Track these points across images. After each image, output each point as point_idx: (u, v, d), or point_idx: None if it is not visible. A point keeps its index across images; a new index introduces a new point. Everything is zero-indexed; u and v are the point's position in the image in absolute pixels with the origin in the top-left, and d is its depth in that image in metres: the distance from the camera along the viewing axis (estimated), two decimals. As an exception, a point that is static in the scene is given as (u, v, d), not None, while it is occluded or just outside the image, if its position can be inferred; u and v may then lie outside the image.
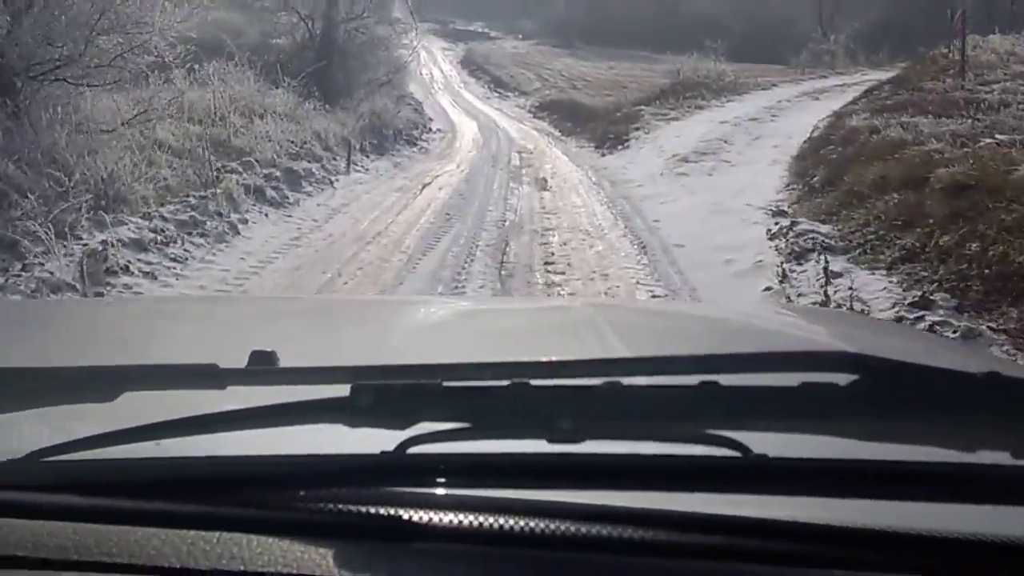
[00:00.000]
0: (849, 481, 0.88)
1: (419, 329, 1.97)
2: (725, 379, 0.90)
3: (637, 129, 19.09)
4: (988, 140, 9.35)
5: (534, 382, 0.93)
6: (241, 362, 1.06)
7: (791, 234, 8.50)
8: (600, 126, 20.99)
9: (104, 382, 1.02)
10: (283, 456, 0.96)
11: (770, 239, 8.81)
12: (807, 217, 9.32)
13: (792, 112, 19.33)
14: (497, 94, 37.84)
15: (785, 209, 10.14)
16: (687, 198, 11.85)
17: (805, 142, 14.50)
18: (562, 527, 0.85)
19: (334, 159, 15.56)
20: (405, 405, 0.93)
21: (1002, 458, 0.89)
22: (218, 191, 10.50)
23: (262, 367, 1.04)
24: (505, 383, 0.93)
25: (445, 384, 0.94)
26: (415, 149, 20.99)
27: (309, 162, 14.16)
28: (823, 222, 8.98)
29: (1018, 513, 0.88)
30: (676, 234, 9.60)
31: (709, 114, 20.28)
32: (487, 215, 11.40)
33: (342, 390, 0.93)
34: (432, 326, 2.07)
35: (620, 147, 18.11)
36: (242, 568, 0.84)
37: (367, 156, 17.86)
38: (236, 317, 2.16)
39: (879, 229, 8.00)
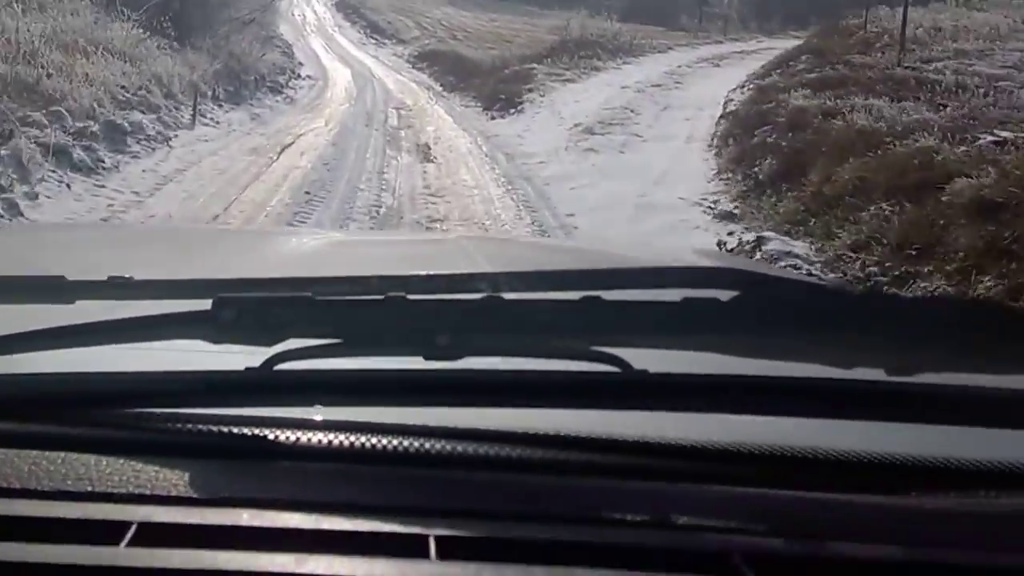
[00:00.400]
0: (728, 397, 0.85)
1: (289, 256, 1.86)
2: (607, 294, 0.85)
3: (530, 91, 16.71)
4: (987, 136, 7.35)
5: (410, 296, 0.86)
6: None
7: (760, 255, 6.28)
8: (487, 83, 18.40)
9: None
10: (136, 372, 0.88)
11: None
12: (768, 226, 7.14)
13: (696, 79, 17.22)
14: (373, 40, 34.90)
15: (731, 210, 8.01)
16: (603, 183, 9.56)
17: (722, 117, 12.50)
18: (436, 445, 0.81)
19: (176, 109, 12.71)
20: (272, 319, 0.84)
21: (878, 374, 0.86)
22: (2, 152, 7.77)
23: (114, 279, 0.92)
24: (380, 297, 0.85)
25: (316, 297, 0.85)
26: (280, 98, 18.15)
27: (143, 113, 11.32)
28: (792, 235, 6.81)
29: (891, 429, 0.86)
30: (601, 241, 7.27)
31: (607, 76, 17.98)
32: (357, 196, 8.94)
33: (203, 304, 0.84)
34: (303, 254, 1.99)
35: (512, 111, 15.76)
36: (89, 488, 0.76)
37: (220, 106, 14.97)
38: (94, 245, 2.03)
39: (885, 259, 5.80)
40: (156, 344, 0.89)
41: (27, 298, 0.93)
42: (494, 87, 17.81)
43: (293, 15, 39.98)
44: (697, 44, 23.74)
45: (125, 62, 13.13)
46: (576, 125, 13.10)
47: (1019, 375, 0.98)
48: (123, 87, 11.85)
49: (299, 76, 23.57)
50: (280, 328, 0.85)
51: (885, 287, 4.35)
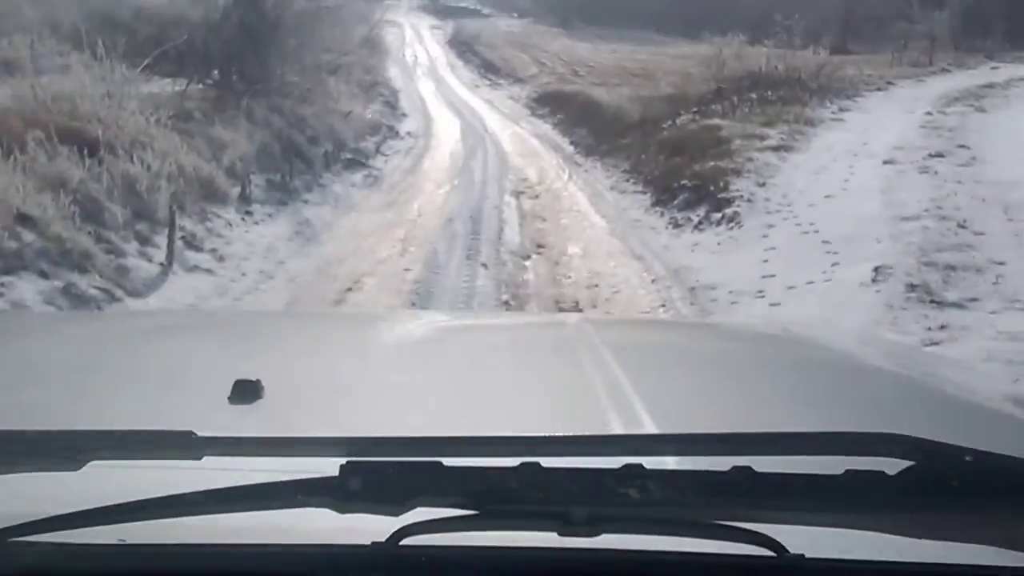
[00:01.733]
0: None
1: (406, 346, 1.76)
2: (760, 463, 0.72)
3: (735, 171, 9.75)
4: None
5: (545, 462, 0.74)
6: (225, 391, 1.03)
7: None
8: (646, 148, 12.22)
9: (70, 449, 0.82)
10: (264, 545, 0.80)
11: None
12: None
13: (986, 137, 10.94)
14: (488, 81, 29.21)
15: None
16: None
17: None
18: None
19: (146, 241, 7.07)
20: (400, 486, 0.75)
21: None
22: None
23: (243, 437, 0.83)
24: (514, 463, 0.74)
25: (446, 463, 0.75)
26: (359, 177, 12.43)
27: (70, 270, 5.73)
28: None
29: None
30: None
31: (836, 136, 11.67)
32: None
33: (331, 466, 0.76)
34: (420, 342, 1.85)
35: (718, 217, 8.60)
36: None
37: (248, 212, 9.13)
38: (216, 336, 1.91)
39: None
40: (280, 512, 0.77)
41: (157, 455, 0.83)
42: (664, 160, 11.19)
43: (404, 56, 34.88)
44: (921, 76, 16.86)
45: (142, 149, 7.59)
46: (869, 264, 6.45)
47: None
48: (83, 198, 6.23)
49: (397, 134, 17.92)
50: (408, 496, 0.75)
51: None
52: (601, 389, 1.32)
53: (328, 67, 17.31)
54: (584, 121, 16.86)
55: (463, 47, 36.75)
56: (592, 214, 9.74)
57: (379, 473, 0.76)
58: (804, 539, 0.75)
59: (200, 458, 0.81)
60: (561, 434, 0.83)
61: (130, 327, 2.15)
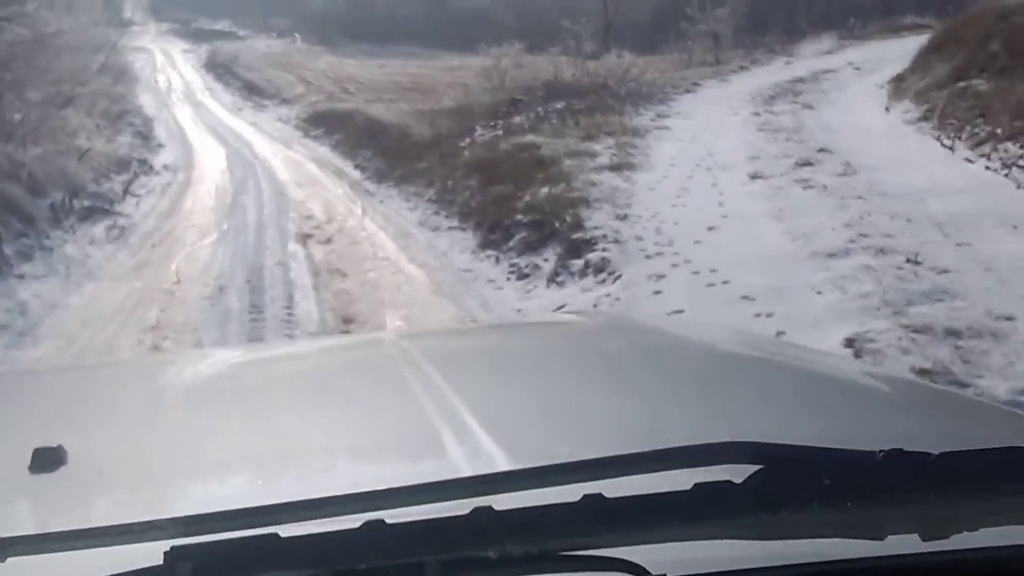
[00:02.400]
0: None
1: (210, 390, 1.56)
2: (608, 486, 0.69)
3: (584, 203, 7.65)
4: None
5: (389, 517, 0.69)
6: (23, 460, 0.92)
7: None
8: (443, 170, 10.20)
9: None
10: None
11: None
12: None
13: (839, 135, 9.70)
14: (251, 103, 26.30)
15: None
16: None
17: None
18: None
19: None
20: (235, 566, 0.67)
21: (911, 541, 0.71)
22: None
23: (52, 532, 0.71)
24: (356, 523, 0.68)
25: (283, 535, 0.68)
26: (100, 229, 9.63)
27: None
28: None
29: None
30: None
31: (677, 147, 9.97)
32: None
33: (154, 553, 0.66)
34: (225, 384, 1.67)
35: (588, 270, 6.45)
36: None
37: None
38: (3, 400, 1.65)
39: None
40: None
41: None
42: (481, 188, 8.97)
43: (156, 82, 31.17)
44: (722, 75, 15.34)
45: None
46: (828, 333, 4.54)
47: None
48: None
49: (151, 169, 14.98)
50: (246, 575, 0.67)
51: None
52: (435, 413, 1.19)
53: (59, 100, 14.15)
54: (367, 142, 14.60)
55: (221, 69, 33.33)
56: (406, 263, 7.44)
57: (210, 555, 0.67)
58: (665, 557, 0.72)
59: (4, 560, 0.70)
60: (402, 485, 0.73)
61: None
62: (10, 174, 9.54)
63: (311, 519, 0.70)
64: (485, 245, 7.36)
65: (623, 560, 0.71)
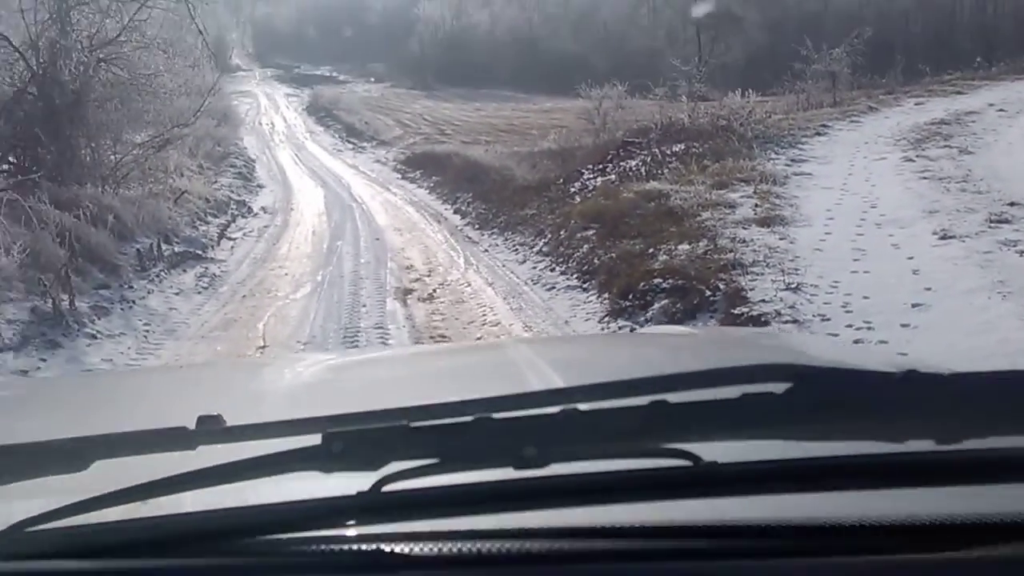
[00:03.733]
0: (790, 479, 0.83)
1: (365, 383, 1.69)
2: (673, 397, 0.81)
3: (738, 266, 6.21)
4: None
5: (496, 415, 0.81)
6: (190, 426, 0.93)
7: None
8: (554, 218, 8.88)
9: (74, 453, 0.85)
10: (263, 505, 0.83)
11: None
12: None
13: (1014, 183, 8.07)
14: (351, 145, 25.63)
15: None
16: None
17: None
18: (534, 546, 0.80)
19: None
20: (376, 448, 0.81)
21: (926, 445, 0.80)
22: None
23: (232, 426, 0.87)
24: (469, 418, 0.81)
25: (412, 424, 0.81)
26: (190, 277, 8.62)
27: None
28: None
29: (943, 493, 0.83)
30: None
31: (827, 197, 8.37)
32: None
33: (313, 440, 0.80)
34: (377, 379, 1.76)
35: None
36: None
37: None
38: (163, 388, 1.82)
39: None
40: (275, 479, 0.82)
41: (157, 450, 0.85)
42: (601, 242, 7.44)
43: (260, 124, 30.91)
44: (850, 116, 13.59)
45: None
46: None
47: None
48: None
49: (250, 211, 14.13)
50: (383, 455, 0.80)
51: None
52: None
53: (157, 142, 13.39)
54: (466, 184, 13.46)
55: (322, 112, 32.99)
56: (520, 331, 6.05)
57: (357, 438, 0.80)
58: (716, 452, 0.81)
59: (195, 447, 0.83)
60: (507, 393, 0.85)
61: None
62: (95, 218, 8.61)
63: (435, 418, 0.82)
64: (616, 313, 5.89)
65: (681, 450, 0.80)
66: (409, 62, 42.44)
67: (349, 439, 0.79)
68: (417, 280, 7.94)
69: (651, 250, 6.73)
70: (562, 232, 8.22)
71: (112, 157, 11.95)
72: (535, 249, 8.40)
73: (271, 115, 33.52)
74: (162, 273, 8.62)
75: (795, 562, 0.78)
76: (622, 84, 17.93)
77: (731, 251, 6.43)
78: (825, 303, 5.43)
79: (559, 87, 31.50)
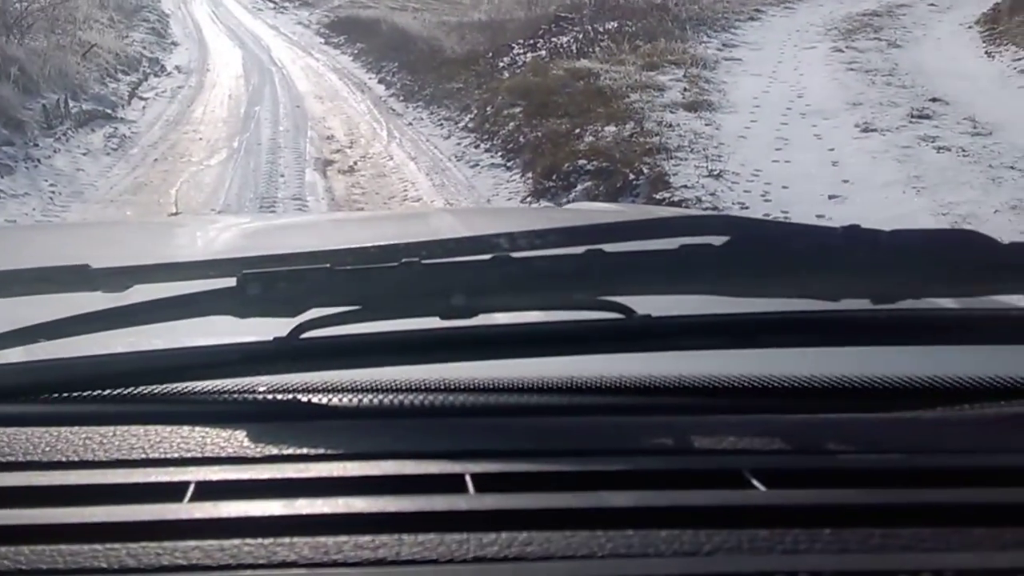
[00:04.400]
0: (726, 335, 0.80)
1: (283, 248, 1.22)
2: (609, 247, 0.77)
3: (663, 150, 6.12)
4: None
5: (424, 260, 0.76)
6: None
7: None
8: (481, 93, 8.69)
9: None
10: (173, 349, 0.80)
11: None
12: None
13: (939, 81, 8.09)
14: (272, 4, 24.43)
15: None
16: None
17: None
18: (458, 399, 0.78)
19: None
20: (294, 291, 0.76)
21: (863, 304, 0.79)
22: None
23: (138, 265, 0.82)
24: (394, 264, 0.76)
25: (334, 268, 0.76)
26: (98, 138, 8.24)
27: None
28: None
29: (877, 352, 0.85)
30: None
31: (756, 85, 8.28)
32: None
33: (228, 282, 0.76)
34: (296, 244, 1.63)
35: None
36: (144, 456, 0.70)
37: None
38: (67, 242, 1.74)
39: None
40: (187, 322, 0.77)
41: (54, 288, 0.81)
42: (528, 119, 7.32)
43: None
44: (788, 2, 13.22)
45: None
46: None
47: (985, 296, 0.93)
48: None
49: (164, 70, 13.49)
50: (302, 299, 0.76)
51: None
52: None
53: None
54: (392, 53, 13.05)
55: (242, -34, 31.22)
56: (442, 206, 5.95)
57: (274, 280, 0.76)
58: (650, 306, 0.78)
59: (98, 288, 0.80)
60: (434, 238, 0.82)
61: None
62: (-3, 71, 8.13)
63: (359, 263, 0.77)
64: (539, 193, 5.91)
65: (615, 303, 0.77)
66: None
67: (266, 281, 0.75)
68: (338, 152, 7.76)
69: (577, 131, 6.69)
70: (488, 108, 8.09)
71: (17, 5, 11.18)
72: (460, 125, 8.26)
73: (188, -33, 31.57)
74: (69, 132, 8.24)
75: (726, 419, 0.76)
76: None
77: (657, 135, 6.45)
78: (745, 191, 5.53)
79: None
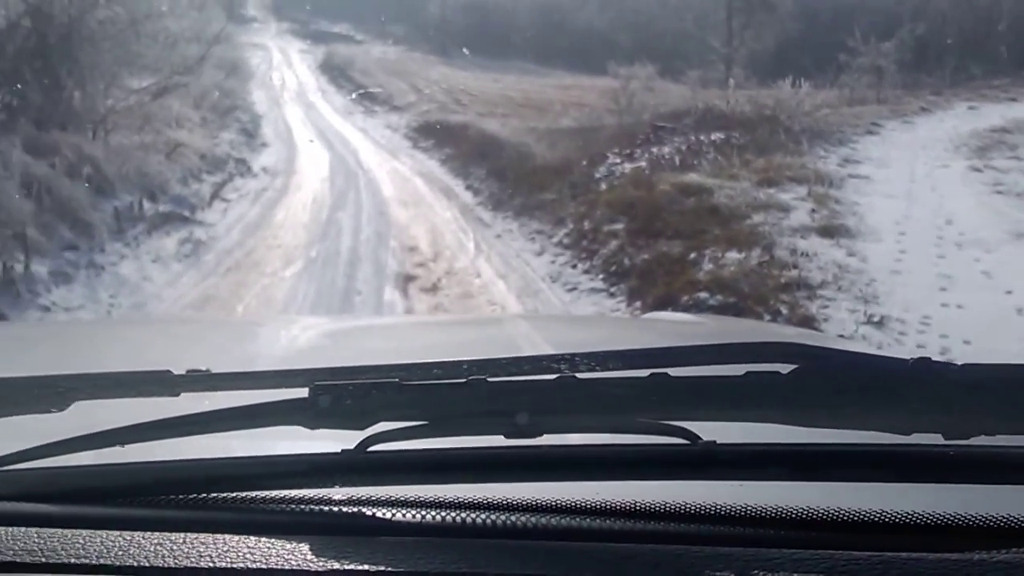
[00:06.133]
0: (791, 465, 0.78)
1: (360, 350, 1.62)
2: (674, 371, 0.77)
3: (804, 286, 5.19)
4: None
5: (490, 379, 0.78)
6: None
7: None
8: (575, 205, 7.90)
9: (53, 392, 0.82)
10: (244, 458, 0.83)
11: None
12: None
13: None
14: (362, 108, 24.70)
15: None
16: None
17: None
18: (520, 519, 0.77)
19: None
20: (363, 405, 0.77)
21: (934, 439, 0.76)
22: None
23: (216, 372, 0.84)
24: (461, 380, 0.78)
25: (403, 383, 0.78)
26: (172, 242, 7.79)
27: None
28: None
29: (948, 490, 0.81)
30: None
31: (892, 207, 7.32)
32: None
33: (300, 393, 0.78)
34: (372, 347, 1.71)
35: None
36: (211, 565, 0.70)
37: None
38: (146, 339, 1.79)
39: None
40: (258, 432, 0.79)
41: (134, 393, 0.82)
42: (631, 238, 6.41)
43: (271, 79, 29.92)
44: (903, 115, 12.42)
45: None
46: None
47: None
48: None
49: (249, 170, 13.25)
50: (371, 413, 0.77)
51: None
52: None
53: (155, 89, 12.50)
54: (480, 159, 12.58)
55: (335, 72, 31.87)
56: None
57: (344, 393, 0.77)
58: (715, 431, 0.77)
59: (178, 394, 0.80)
60: (502, 356, 0.83)
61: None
62: (71, 169, 7.75)
63: (427, 378, 0.78)
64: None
65: (679, 427, 0.76)
66: (429, 26, 41.32)
67: (337, 393, 0.76)
68: (421, 265, 7.10)
69: (693, 255, 5.86)
70: (586, 223, 7.34)
71: (106, 103, 11.06)
72: (555, 240, 7.51)
73: (283, 70, 32.53)
74: (141, 235, 7.79)
75: (786, 553, 0.72)
76: (654, 64, 16.95)
77: (793, 266, 5.54)
78: (919, 346, 4.57)
79: (581, 64, 30.48)
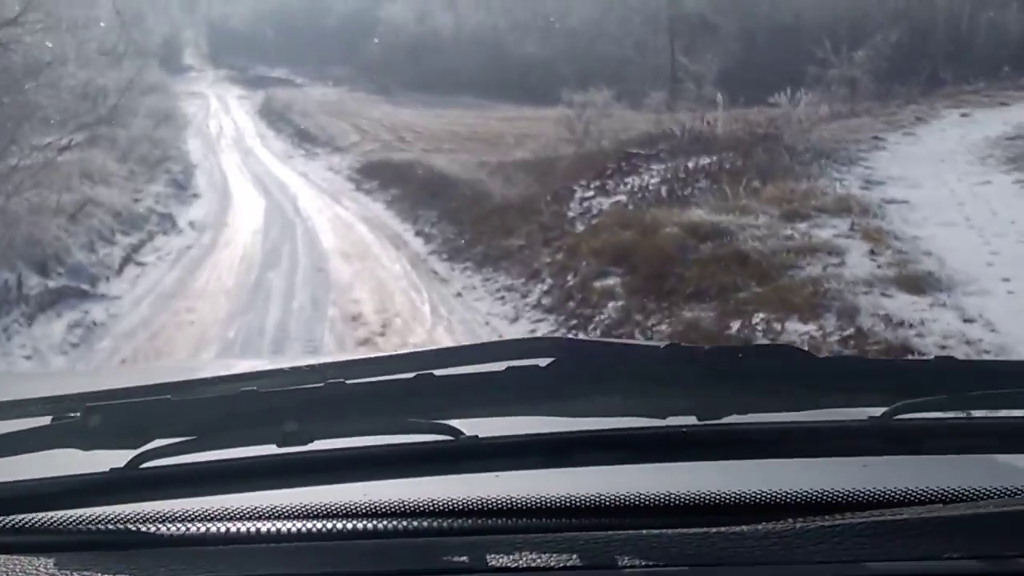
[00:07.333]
0: (545, 453, 0.79)
1: None
2: (439, 371, 0.80)
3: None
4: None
5: (261, 390, 0.79)
6: None
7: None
8: (553, 254, 6.38)
9: None
10: (12, 482, 0.78)
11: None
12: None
13: None
14: (302, 151, 23.24)
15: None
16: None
17: None
18: (289, 526, 0.77)
19: None
20: (135, 423, 0.77)
21: (688, 420, 0.79)
22: None
23: None
24: (231, 393, 0.80)
25: (174, 400, 0.79)
26: (59, 328, 6.24)
27: None
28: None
29: (703, 469, 0.83)
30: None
31: (951, 235, 5.90)
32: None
33: (74, 415, 0.78)
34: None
35: None
36: None
37: None
38: None
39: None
40: (32, 456, 0.78)
41: None
42: (627, 294, 4.77)
43: (208, 127, 28.29)
44: (901, 127, 11.18)
45: None
46: None
47: (803, 410, 0.86)
48: None
49: (174, 226, 11.69)
50: (144, 430, 0.76)
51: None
52: None
53: (61, 144, 10.84)
54: (430, 200, 11.14)
55: (274, 116, 30.30)
56: None
57: (116, 413, 0.77)
58: (478, 427, 0.77)
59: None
60: (270, 367, 0.83)
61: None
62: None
63: (199, 394, 0.81)
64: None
65: (444, 424, 0.77)
66: (370, 66, 40.00)
67: (108, 413, 0.76)
68: (366, 343, 5.58)
69: (736, 324, 4.25)
70: (569, 277, 5.84)
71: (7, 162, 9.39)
72: (530, 299, 5.99)
73: (220, 117, 30.96)
74: (18, 322, 6.17)
75: (530, 538, 0.74)
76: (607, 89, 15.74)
77: (896, 344, 3.95)
78: None
79: (525, 95, 29.43)
